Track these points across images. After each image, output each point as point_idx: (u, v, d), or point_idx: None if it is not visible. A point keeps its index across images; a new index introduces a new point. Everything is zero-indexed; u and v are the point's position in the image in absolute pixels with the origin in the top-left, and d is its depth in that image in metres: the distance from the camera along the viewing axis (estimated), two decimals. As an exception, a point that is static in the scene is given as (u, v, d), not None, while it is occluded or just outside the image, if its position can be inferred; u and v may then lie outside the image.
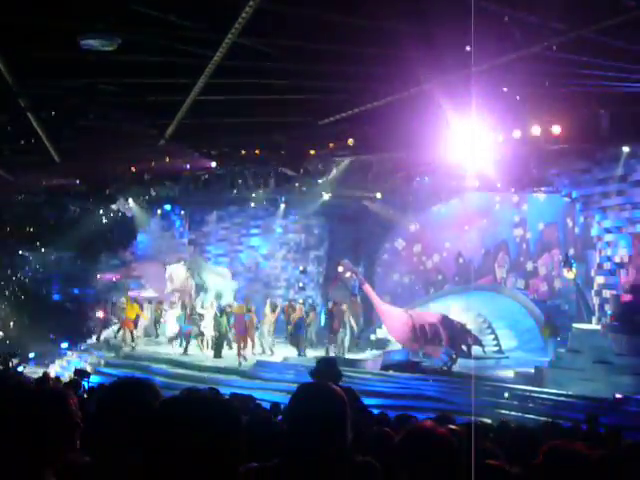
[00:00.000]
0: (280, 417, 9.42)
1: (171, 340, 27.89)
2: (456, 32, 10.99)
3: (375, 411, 12.02)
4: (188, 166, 23.93)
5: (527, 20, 10.45)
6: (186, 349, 26.62)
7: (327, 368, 7.85)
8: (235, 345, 25.93)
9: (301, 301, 30.76)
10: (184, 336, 27.04)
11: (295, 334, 26.65)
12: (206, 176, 24.97)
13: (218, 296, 30.49)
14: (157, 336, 30.43)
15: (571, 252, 28.21)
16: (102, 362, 27.31)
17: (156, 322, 30.79)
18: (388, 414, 9.99)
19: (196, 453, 2.61)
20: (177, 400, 2.89)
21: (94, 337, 32.74)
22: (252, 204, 34.56)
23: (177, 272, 31.39)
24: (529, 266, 32.17)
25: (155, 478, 2.63)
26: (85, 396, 12.87)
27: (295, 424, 3.15)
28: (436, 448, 3.32)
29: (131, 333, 28.88)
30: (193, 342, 27.19)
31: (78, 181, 24.78)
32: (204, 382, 20.71)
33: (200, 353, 26.86)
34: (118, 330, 29.63)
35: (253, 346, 26.33)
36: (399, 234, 36.23)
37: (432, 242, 35.48)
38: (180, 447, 2.60)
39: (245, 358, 24.86)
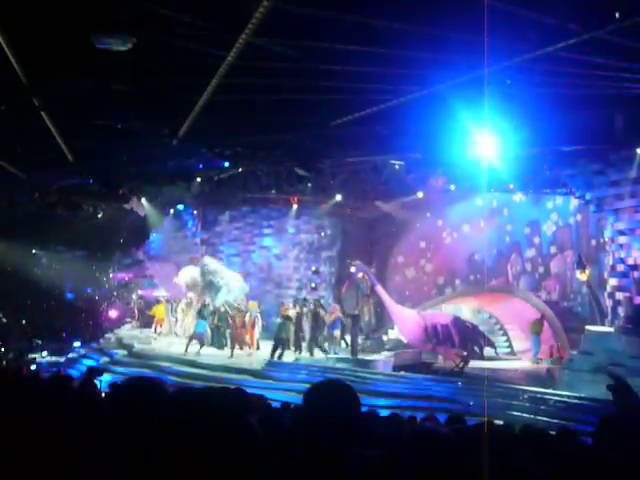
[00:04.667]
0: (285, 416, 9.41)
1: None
2: (470, 33, 10.97)
3: (384, 412, 11.97)
4: (201, 166, 23.93)
5: (541, 21, 10.41)
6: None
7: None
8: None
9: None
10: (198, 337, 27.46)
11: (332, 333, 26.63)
12: (219, 176, 24.98)
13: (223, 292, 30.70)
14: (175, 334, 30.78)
15: (584, 254, 28.09)
16: (114, 360, 27.40)
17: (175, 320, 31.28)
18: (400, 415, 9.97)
19: (207, 452, 2.60)
20: (189, 398, 2.89)
21: (106, 335, 32.86)
22: (265, 204, 34.63)
23: (190, 273, 31.49)
24: (542, 268, 32.12)
25: (168, 477, 2.64)
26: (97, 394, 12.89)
27: (313, 421, 3.14)
28: (443, 450, 3.31)
29: (158, 327, 31.00)
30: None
31: (91, 180, 24.84)
32: (216, 382, 20.75)
33: (213, 352, 26.95)
34: (155, 329, 31.20)
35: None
36: (412, 235, 36.21)
37: (444, 243, 35.47)
38: (191, 446, 2.60)
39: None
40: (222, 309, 28.56)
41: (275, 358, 25.09)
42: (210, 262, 32.02)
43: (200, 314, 28.15)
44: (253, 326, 27.78)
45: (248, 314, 27.70)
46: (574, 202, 28.62)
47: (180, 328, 30.47)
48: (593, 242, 28.93)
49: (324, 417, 3.10)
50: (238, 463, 2.66)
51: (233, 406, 2.86)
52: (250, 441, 2.72)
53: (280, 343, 25.51)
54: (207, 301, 29.59)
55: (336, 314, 26.66)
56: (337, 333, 26.28)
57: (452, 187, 29.71)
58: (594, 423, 12.48)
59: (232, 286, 30.93)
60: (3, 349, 28.88)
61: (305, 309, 28.25)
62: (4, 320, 34.26)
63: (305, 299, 30.14)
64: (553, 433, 7.48)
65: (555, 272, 31.63)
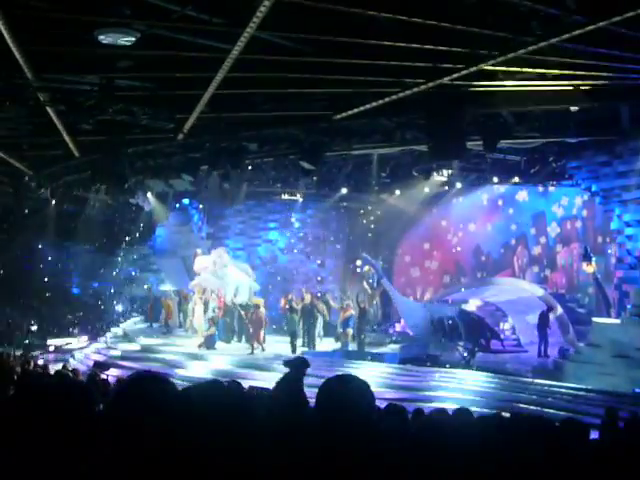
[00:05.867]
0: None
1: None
2: (474, 25, 10.96)
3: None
4: (206, 160, 23.88)
5: (546, 12, 10.39)
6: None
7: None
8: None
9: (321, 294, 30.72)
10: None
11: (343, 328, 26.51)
12: (224, 170, 24.93)
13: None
14: (186, 329, 30.67)
15: (590, 246, 28.05)
16: (121, 355, 27.42)
17: (183, 315, 31.23)
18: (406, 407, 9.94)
19: (215, 446, 2.61)
20: (196, 394, 2.90)
21: (113, 330, 32.89)
22: (270, 198, 34.62)
23: (205, 264, 31.29)
24: (548, 260, 32.10)
25: (173, 472, 2.65)
26: (103, 388, 12.94)
27: (325, 415, 3.13)
28: (451, 441, 3.32)
29: (167, 322, 31.29)
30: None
31: (97, 175, 24.83)
32: (223, 375, 20.74)
33: (220, 346, 26.95)
34: (165, 322, 31.29)
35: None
36: (417, 235, 36.18)
37: (449, 243, 35.47)
38: (199, 441, 2.61)
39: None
40: (229, 304, 28.56)
41: (292, 351, 25.11)
42: (224, 256, 31.77)
43: (206, 306, 28.14)
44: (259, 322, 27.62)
45: (253, 310, 27.55)
46: (581, 194, 28.56)
47: (189, 322, 30.40)
48: (599, 234, 28.90)
49: (339, 412, 3.09)
50: (238, 457, 2.66)
51: (229, 400, 2.87)
52: (251, 434, 2.73)
53: (292, 336, 25.59)
54: (214, 294, 29.46)
55: (350, 311, 26.45)
56: (349, 331, 26.08)
57: (458, 185, 29.72)
58: (601, 415, 12.50)
59: (242, 287, 30.67)
60: (10, 344, 28.91)
61: (307, 301, 28.08)
62: (11, 315, 34.31)
63: (305, 292, 29.99)
64: (558, 424, 7.49)
65: (561, 265, 31.61)
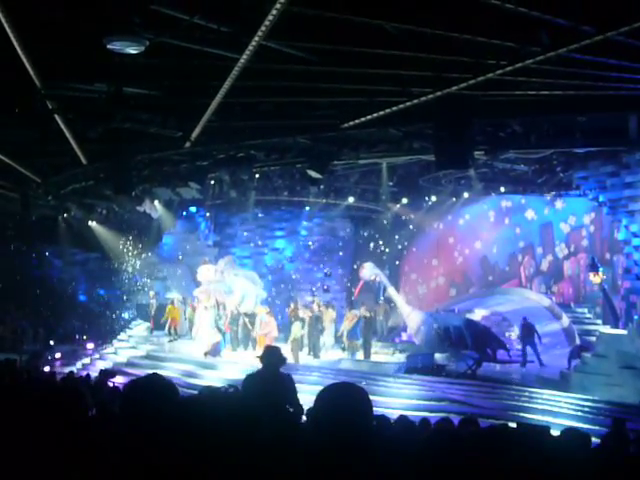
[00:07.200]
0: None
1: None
2: (483, 35, 10.96)
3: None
4: (213, 168, 23.93)
5: (554, 22, 10.39)
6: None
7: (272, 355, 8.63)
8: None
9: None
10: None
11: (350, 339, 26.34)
12: (232, 178, 24.97)
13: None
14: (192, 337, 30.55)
15: (597, 256, 28.00)
16: (127, 362, 27.44)
17: (189, 322, 31.09)
18: (409, 417, 9.94)
19: (215, 451, 2.61)
20: (195, 399, 2.90)
21: (119, 337, 32.88)
22: (277, 206, 34.62)
23: (209, 272, 31.19)
24: (555, 272, 32.05)
25: (176, 476, 2.65)
26: (110, 395, 12.93)
27: (322, 423, 3.13)
28: (458, 452, 3.31)
29: (175, 329, 30.59)
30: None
31: (105, 183, 24.89)
32: (227, 383, 20.72)
33: (225, 354, 26.91)
34: (169, 329, 30.75)
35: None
36: (425, 238, 36.18)
37: (457, 246, 35.43)
38: (199, 446, 2.61)
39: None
40: (234, 311, 28.53)
41: (294, 360, 24.95)
42: (230, 264, 31.70)
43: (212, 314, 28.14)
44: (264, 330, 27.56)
45: (258, 318, 27.48)
46: (588, 204, 28.50)
47: (195, 330, 30.33)
48: (606, 244, 28.86)
49: (334, 419, 3.08)
50: (236, 460, 2.67)
51: (227, 405, 2.87)
52: (249, 440, 2.73)
53: (294, 345, 25.47)
54: (219, 301, 29.41)
55: (355, 320, 26.31)
56: (355, 340, 25.94)
57: (465, 194, 29.68)
58: (608, 426, 12.44)
59: (248, 296, 30.56)
60: (17, 351, 28.96)
61: (313, 311, 27.97)
62: (18, 322, 34.35)
63: (313, 301, 29.90)
64: (564, 435, 7.47)
65: (568, 275, 31.55)
